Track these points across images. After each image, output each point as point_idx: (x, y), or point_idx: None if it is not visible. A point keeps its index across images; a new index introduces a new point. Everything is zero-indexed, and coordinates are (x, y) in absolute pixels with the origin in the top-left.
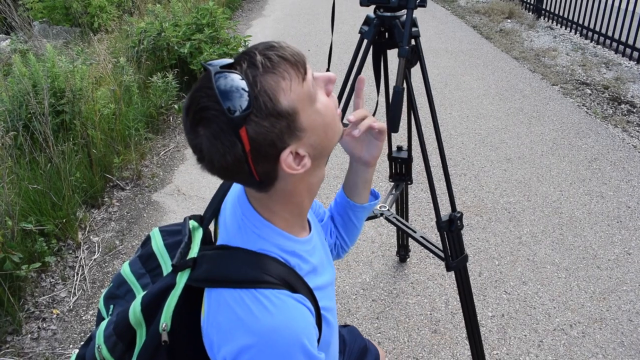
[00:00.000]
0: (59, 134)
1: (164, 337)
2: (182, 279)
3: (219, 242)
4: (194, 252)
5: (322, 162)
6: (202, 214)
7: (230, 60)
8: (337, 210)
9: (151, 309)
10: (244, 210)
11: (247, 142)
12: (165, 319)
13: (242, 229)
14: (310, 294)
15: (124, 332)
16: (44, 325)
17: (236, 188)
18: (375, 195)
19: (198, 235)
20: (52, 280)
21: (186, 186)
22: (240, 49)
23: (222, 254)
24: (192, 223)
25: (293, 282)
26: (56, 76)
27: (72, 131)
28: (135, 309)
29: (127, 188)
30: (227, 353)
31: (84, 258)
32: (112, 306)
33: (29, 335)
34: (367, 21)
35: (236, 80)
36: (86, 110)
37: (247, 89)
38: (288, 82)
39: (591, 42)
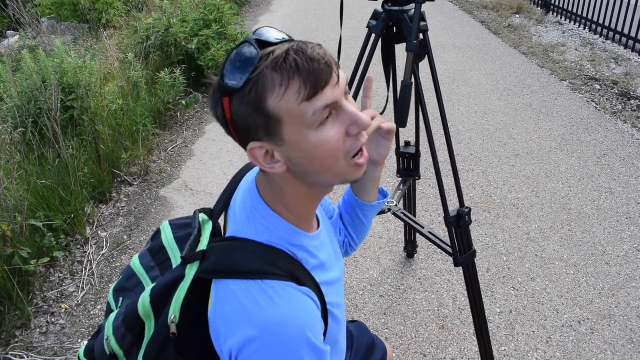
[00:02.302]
0: (67, 130)
1: (173, 329)
2: (191, 271)
3: (227, 234)
4: (203, 245)
5: (310, 183)
6: (212, 208)
7: (282, 37)
8: (345, 208)
9: (160, 300)
10: (253, 202)
11: (227, 110)
12: (174, 311)
13: (251, 220)
14: (316, 288)
15: (133, 324)
16: (53, 319)
17: (247, 182)
18: (383, 194)
19: (208, 229)
20: (60, 275)
21: (194, 182)
22: None
23: (230, 246)
24: (202, 216)
25: (300, 275)
26: (65, 72)
27: (80, 127)
28: (144, 301)
29: (135, 183)
30: (233, 344)
31: (92, 253)
32: (121, 299)
33: (38, 330)
34: (375, 15)
35: (249, 56)
36: (94, 106)
37: (249, 70)
38: (283, 90)
39: (600, 37)
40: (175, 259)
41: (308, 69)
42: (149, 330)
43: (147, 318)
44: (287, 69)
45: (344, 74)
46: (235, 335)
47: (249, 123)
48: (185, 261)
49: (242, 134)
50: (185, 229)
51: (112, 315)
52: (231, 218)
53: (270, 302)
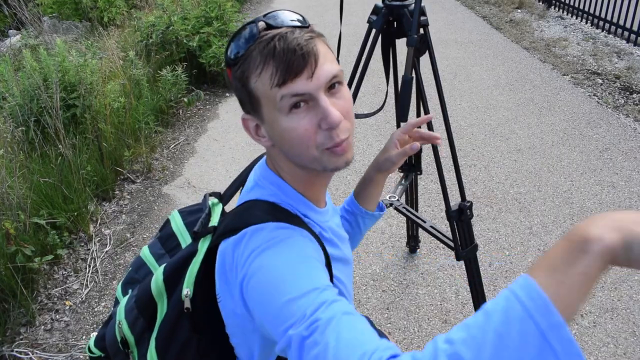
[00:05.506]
0: (69, 128)
1: (187, 303)
2: (203, 245)
3: (237, 204)
4: (214, 222)
5: (295, 163)
6: (222, 192)
7: (297, 18)
8: (346, 216)
9: (173, 277)
10: (262, 172)
11: (230, 79)
12: (188, 285)
13: (260, 186)
14: (324, 252)
15: (146, 305)
16: (57, 316)
17: (257, 166)
18: (380, 208)
19: (218, 210)
20: (64, 272)
21: (196, 179)
22: None
23: (239, 209)
24: (212, 199)
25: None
26: (67, 70)
27: (82, 125)
28: (157, 279)
29: (138, 181)
30: (240, 245)
31: (96, 250)
32: (130, 290)
33: (43, 327)
34: (376, 10)
35: (247, 36)
36: (96, 104)
37: (244, 48)
38: (260, 72)
39: (602, 31)
40: (185, 243)
41: (282, 57)
42: (161, 311)
43: (160, 298)
44: (266, 54)
45: (334, 69)
46: (239, 238)
47: (239, 96)
48: (198, 236)
49: (239, 103)
50: (194, 215)
51: (124, 300)
52: (241, 195)
53: (268, 233)
